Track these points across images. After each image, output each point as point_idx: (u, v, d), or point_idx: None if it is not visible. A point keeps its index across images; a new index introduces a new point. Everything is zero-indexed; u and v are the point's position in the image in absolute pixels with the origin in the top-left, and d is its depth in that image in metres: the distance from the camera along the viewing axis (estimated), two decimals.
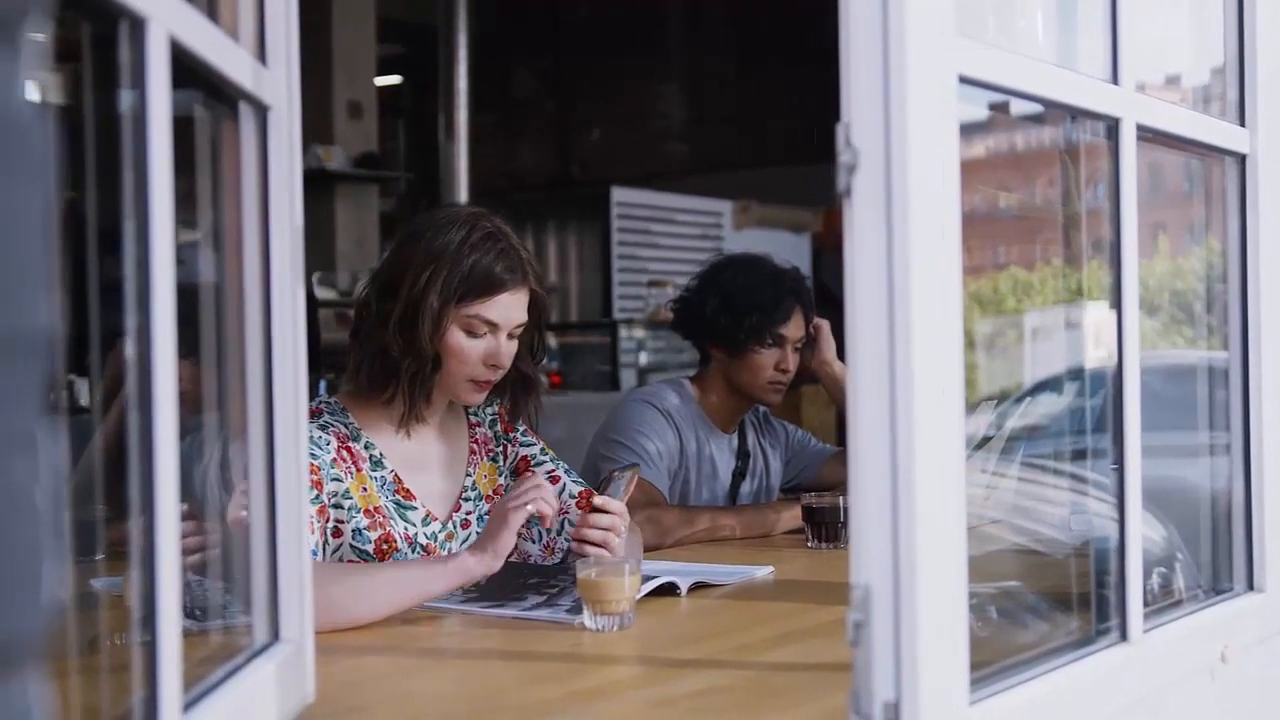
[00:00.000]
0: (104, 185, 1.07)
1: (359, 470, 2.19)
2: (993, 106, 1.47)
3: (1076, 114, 1.55)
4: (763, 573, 2.36)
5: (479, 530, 2.29)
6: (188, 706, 1.09)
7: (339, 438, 2.17)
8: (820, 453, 3.28)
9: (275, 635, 1.37)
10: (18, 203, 0.56)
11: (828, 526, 2.65)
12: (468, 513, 2.32)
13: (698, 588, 2.19)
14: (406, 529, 2.21)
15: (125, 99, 1.02)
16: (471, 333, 2.19)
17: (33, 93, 0.58)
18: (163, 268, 1.02)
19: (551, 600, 2.03)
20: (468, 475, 2.34)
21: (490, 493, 2.36)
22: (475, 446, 2.37)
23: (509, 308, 2.21)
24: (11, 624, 0.56)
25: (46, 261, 0.59)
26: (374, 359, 2.20)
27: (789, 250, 7.24)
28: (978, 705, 1.25)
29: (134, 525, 1.04)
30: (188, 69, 1.12)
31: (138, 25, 1.00)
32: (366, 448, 2.22)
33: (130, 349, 1.03)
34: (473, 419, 2.40)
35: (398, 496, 2.22)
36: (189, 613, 1.25)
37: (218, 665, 1.27)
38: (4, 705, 0.55)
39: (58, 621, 0.61)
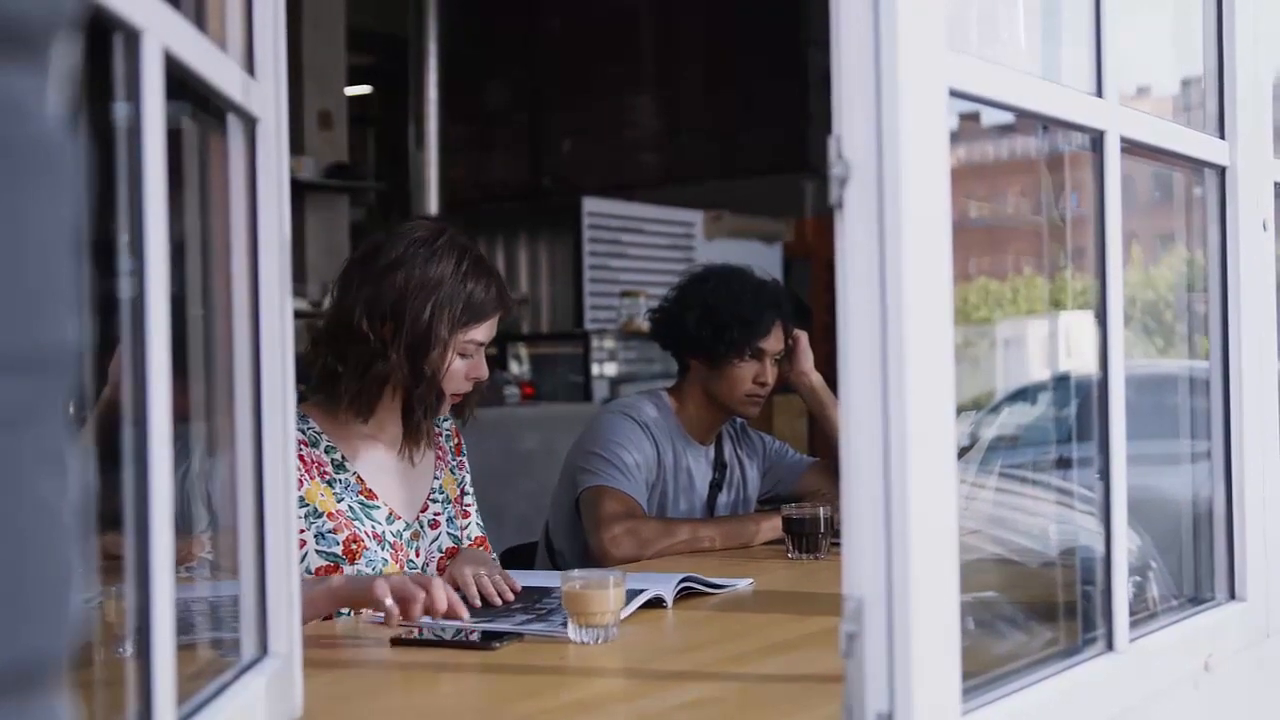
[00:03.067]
0: (95, 196, 1.06)
1: (313, 477, 2.24)
2: (964, 116, 1.47)
3: (1063, 126, 1.56)
4: (744, 584, 2.36)
5: (448, 531, 2.40)
6: None
7: None
8: (798, 463, 3.28)
9: (264, 650, 1.37)
10: (48, 219, 0.56)
11: (808, 537, 2.66)
12: (435, 513, 2.40)
13: (685, 595, 2.19)
14: (373, 527, 2.26)
15: (119, 110, 1.02)
16: (463, 354, 2.29)
17: (59, 109, 0.58)
18: (157, 279, 1.02)
19: (543, 618, 2.02)
20: (435, 478, 2.42)
21: (454, 498, 2.45)
22: (440, 453, 2.46)
23: (495, 327, 2.34)
24: (43, 643, 0.55)
25: (76, 277, 0.59)
26: (376, 384, 2.25)
27: (760, 260, 7.24)
28: (970, 715, 1.25)
29: (127, 539, 1.03)
30: (178, 81, 1.12)
31: (132, 38, 1.00)
32: (327, 452, 2.28)
33: (123, 360, 1.02)
34: (434, 427, 2.46)
35: (361, 497, 2.28)
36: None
37: (206, 680, 1.26)
38: None
39: (82, 639, 0.60)
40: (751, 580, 2.38)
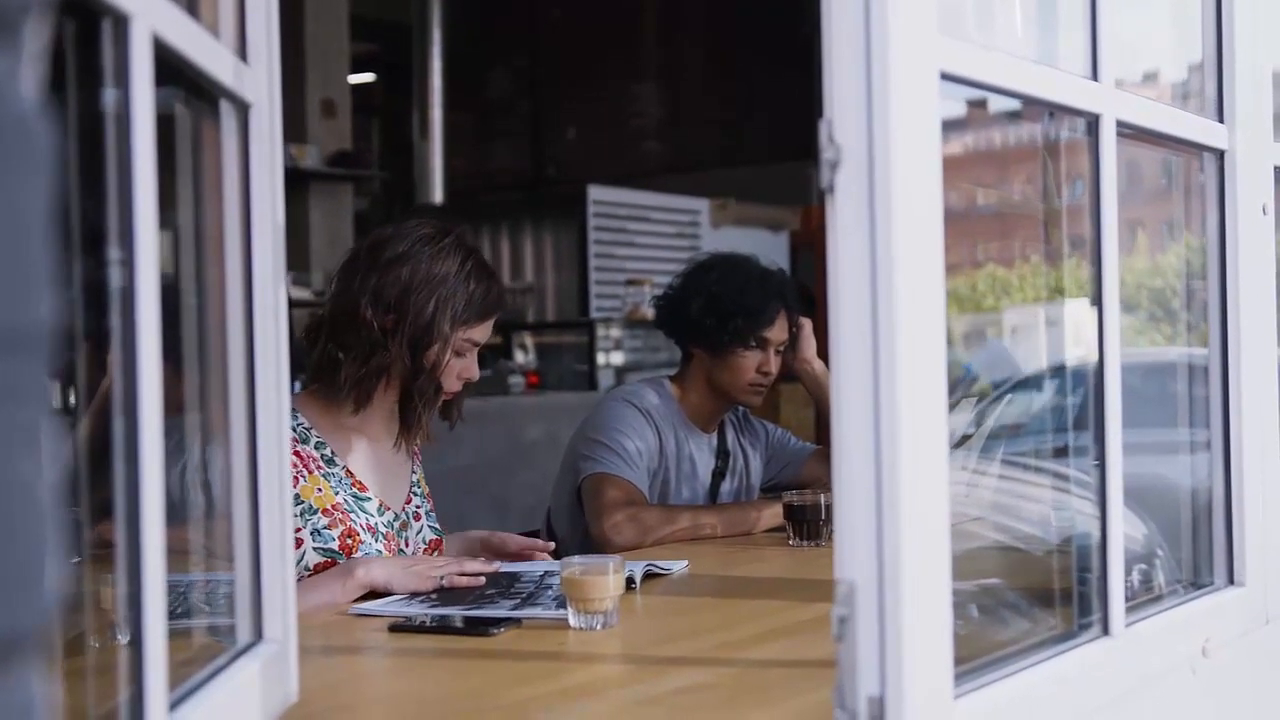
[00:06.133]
0: (84, 183, 1.06)
1: (310, 472, 2.26)
2: (971, 103, 1.47)
3: (1057, 110, 1.56)
4: (680, 566, 2.38)
5: (429, 524, 2.44)
6: (173, 706, 1.09)
7: None
8: (800, 451, 3.28)
9: (259, 635, 1.37)
10: (22, 199, 0.57)
11: (809, 524, 2.66)
12: (417, 506, 2.44)
13: (649, 577, 2.24)
14: (367, 520, 2.29)
15: (108, 96, 1.02)
16: (458, 353, 2.32)
17: (33, 90, 0.58)
18: (147, 268, 1.02)
19: (531, 599, 2.02)
20: (414, 472, 2.47)
21: (428, 493, 2.50)
22: (416, 450, 2.49)
23: (490, 329, 2.38)
24: (17, 619, 0.56)
25: (49, 258, 0.59)
26: (375, 375, 2.28)
27: (766, 248, 7.24)
28: (962, 699, 1.25)
29: (118, 526, 1.03)
30: (169, 66, 1.12)
31: (121, 23, 1.00)
32: (317, 447, 2.30)
33: (114, 350, 1.02)
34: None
35: (354, 490, 2.31)
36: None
37: (200, 665, 1.26)
38: (9, 700, 0.55)
39: (59, 618, 0.61)
40: (686, 562, 2.41)
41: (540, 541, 2.50)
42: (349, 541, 2.23)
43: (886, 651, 1.16)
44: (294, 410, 2.29)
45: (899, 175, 1.16)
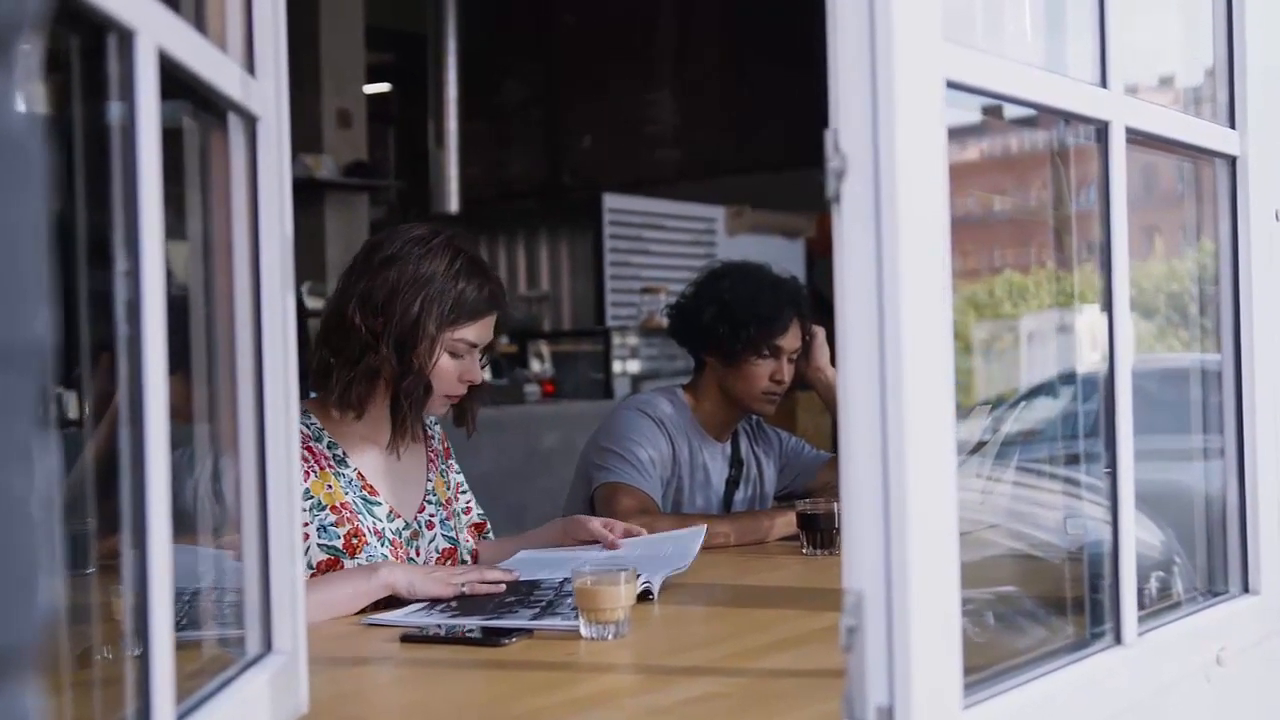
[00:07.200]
0: (91, 196, 1.07)
1: (322, 469, 2.27)
2: (986, 110, 1.47)
3: (1065, 118, 1.55)
4: (695, 542, 2.39)
5: (443, 533, 2.43)
6: (181, 718, 1.09)
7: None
8: (814, 459, 3.28)
9: (268, 646, 1.37)
10: (15, 215, 0.57)
11: (822, 533, 2.65)
12: (430, 515, 2.43)
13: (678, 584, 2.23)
14: (375, 523, 2.30)
15: (113, 110, 1.02)
16: (454, 354, 2.31)
17: (27, 105, 0.59)
18: (153, 280, 1.02)
19: (551, 608, 2.02)
20: (428, 480, 2.46)
21: (445, 500, 2.47)
22: (432, 456, 2.49)
23: (488, 329, 2.35)
24: (9, 633, 0.56)
25: (43, 274, 0.59)
26: (365, 378, 2.27)
27: (782, 255, 7.24)
28: (971, 709, 1.25)
29: (124, 537, 1.03)
30: (176, 80, 1.12)
31: (126, 37, 1.00)
32: (329, 447, 2.31)
33: (121, 361, 1.02)
34: (426, 430, 2.50)
35: (364, 493, 2.31)
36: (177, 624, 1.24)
37: (209, 677, 1.27)
38: (3, 714, 0.56)
39: (53, 632, 0.61)
40: (704, 527, 2.46)
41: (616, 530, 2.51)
42: (354, 541, 2.23)
43: (895, 661, 1.16)
44: (306, 412, 2.30)
45: (905, 184, 1.16)
